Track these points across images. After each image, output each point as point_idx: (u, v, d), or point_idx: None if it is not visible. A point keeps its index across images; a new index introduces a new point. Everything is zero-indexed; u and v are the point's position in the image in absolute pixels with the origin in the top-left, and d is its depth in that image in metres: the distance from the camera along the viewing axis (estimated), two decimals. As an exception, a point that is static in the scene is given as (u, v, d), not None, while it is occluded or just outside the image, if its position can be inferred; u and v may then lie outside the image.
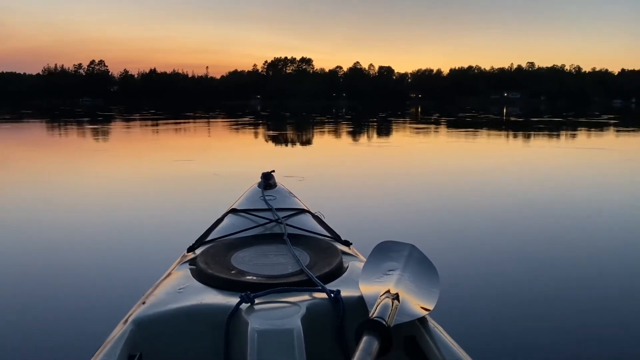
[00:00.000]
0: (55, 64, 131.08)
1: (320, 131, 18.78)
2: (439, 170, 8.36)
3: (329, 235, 1.87)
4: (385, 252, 1.54)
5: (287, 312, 1.20)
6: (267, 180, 2.33)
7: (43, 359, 2.27)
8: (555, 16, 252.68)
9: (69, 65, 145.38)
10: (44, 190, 6.35)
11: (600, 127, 21.23)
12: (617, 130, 19.20)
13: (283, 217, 1.93)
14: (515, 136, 16.97)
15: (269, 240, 1.73)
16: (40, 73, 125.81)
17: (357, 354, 0.99)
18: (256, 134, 17.60)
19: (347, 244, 1.82)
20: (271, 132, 19.27)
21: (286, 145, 13.55)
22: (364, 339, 1.04)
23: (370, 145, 13.14)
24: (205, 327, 1.22)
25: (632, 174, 8.16)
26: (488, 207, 5.41)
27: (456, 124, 23.24)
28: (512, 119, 29.69)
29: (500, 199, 5.90)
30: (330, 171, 8.19)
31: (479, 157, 10.49)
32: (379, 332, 1.06)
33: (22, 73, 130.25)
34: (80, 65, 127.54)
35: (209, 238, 1.81)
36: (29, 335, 2.45)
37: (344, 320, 1.24)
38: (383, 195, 6.09)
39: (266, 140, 15.17)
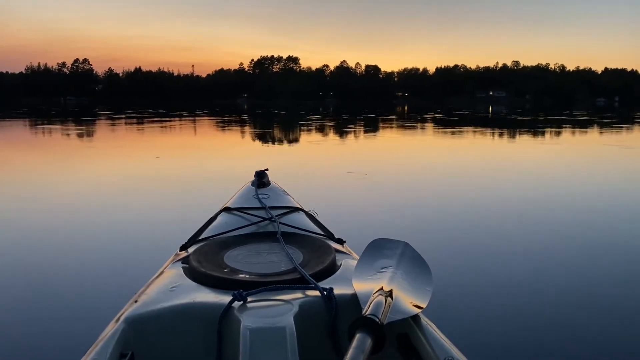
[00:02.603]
0: (39, 63, 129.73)
1: (311, 130, 18.77)
2: (431, 168, 8.41)
3: (322, 233, 1.87)
4: (378, 250, 1.54)
5: (279, 310, 1.19)
6: (261, 179, 2.32)
7: (35, 357, 2.25)
8: (540, 15, 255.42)
9: (52, 63, 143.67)
10: (35, 188, 6.29)
11: (599, 125, 21.34)
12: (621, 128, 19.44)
13: (276, 216, 1.92)
14: (508, 134, 17.04)
15: (262, 238, 1.73)
16: (23, 72, 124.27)
17: (350, 351, 0.99)
18: (249, 133, 17.53)
19: (340, 241, 1.82)
20: (263, 130, 19.24)
21: (277, 143, 13.55)
22: (357, 336, 1.04)
23: (362, 144, 13.18)
24: (198, 326, 1.22)
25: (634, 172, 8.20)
26: (481, 204, 5.43)
27: (444, 122, 23.35)
28: (517, 117, 29.75)
29: (493, 196, 5.93)
30: (323, 169, 8.18)
31: (471, 155, 10.57)
32: (372, 329, 1.06)
33: (4, 72, 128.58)
34: (64, 63, 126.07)
35: (201, 236, 1.80)
36: (21, 335, 2.42)
37: (336, 317, 1.24)
38: (376, 193, 6.10)
39: (259, 139, 15.14)
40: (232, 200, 2.17)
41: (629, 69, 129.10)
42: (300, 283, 1.34)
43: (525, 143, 13.41)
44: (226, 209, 2.05)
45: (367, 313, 1.12)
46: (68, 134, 16.18)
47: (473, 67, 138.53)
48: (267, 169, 2.39)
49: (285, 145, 13.07)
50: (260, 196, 2.15)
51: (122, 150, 11.21)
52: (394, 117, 30.07)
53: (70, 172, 7.78)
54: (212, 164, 9.01)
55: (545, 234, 4.25)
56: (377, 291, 1.25)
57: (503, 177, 7.45)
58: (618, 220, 4.80)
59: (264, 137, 16.11)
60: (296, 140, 14.85)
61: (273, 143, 13.74)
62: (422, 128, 19.84)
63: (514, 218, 4.84)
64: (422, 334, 1.20)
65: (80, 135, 15.75)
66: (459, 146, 12.58)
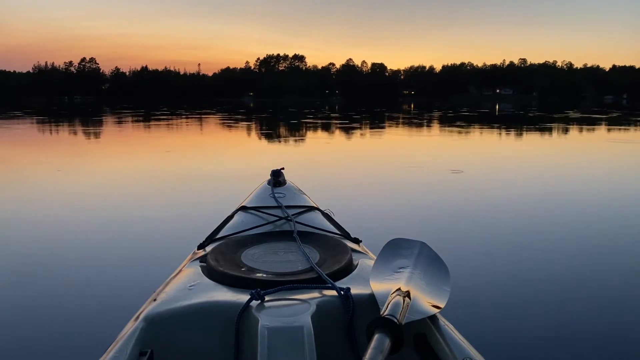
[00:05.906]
0: (46, 62, 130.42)
1: (323, 128, 18.67)
2: (448, 167, 8.26)
3: (338, 232, 1.87)
4: (395, 250, 1.53)
5: (297, 309, 1.19)
6: (277, 178, 2.32)
7: (55, 356, 2.26)
8: (547, 12, 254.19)
9: (59, 62, 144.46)
10: (56, 187, 6.31)
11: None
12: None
13: (292, 215, 1.93)
14: (523, 132, 16.79)
15: (279, 237, 1.73)
16: (31, 71, 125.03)
17: (369, 351, 0.99)
18: (261, 132, 17.46)
19: (356, 241, 1.82)
20: (274, 129, 19.19)
21: (291, 142, 13.46)
22: (376, 336, 1.04)
23: (376, 142, 13.06)
24: (216, 324, 1.22)
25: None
26: (499, 203, 5.33)
27: (453, 120, 23.22)
28: (529, 114, 29.41)
29: (513, 195, 5.78)
30: (338, 168, 8.14)
31: (487, 153, 10.43)
32: (390, 329, 1.06)
33: (12, 71, 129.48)
34: (71, 62, 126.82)
35: (219, 235, 1.81)
36: (42, 333, 2.43)
37: (354, 317, 1.24)
38: (393, 192, 6.00)
39: (271, 138, 15.05)
40: (248, 199, 2.17)
41: (637, 66, 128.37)
42: (317, 282, 1.35)
43: (543, 141, 13.14)
44: (243, 208, 2.05)
45: (385, 313, 1.12)
46: (82, 133, 16.24)
47: (479, 64, 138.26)
48: (282, 168, 2.39)
49: (299, 143, 12.96)
50: (276, 195, 2.15)
51: (138, 149, 11.19)
52: (400, 115, 29.98)
53: (87, 171, 7.77)
54: (228, 163, 8.98)
55: (568, 234, 4.14)
56: (395, 291, 1.25)
57: (524, 175, 7.27)
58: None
59: (276, 135, 16.02)
60: (310, 138, 14.76)
61: (286, 141, 13.66)
62: (431, 126, 19.74)
63: (535, 217, 4.71)
64: (440, 334, 1.20)
65: (95, 135, 15.76)
66: (473, 144, 12.47)
